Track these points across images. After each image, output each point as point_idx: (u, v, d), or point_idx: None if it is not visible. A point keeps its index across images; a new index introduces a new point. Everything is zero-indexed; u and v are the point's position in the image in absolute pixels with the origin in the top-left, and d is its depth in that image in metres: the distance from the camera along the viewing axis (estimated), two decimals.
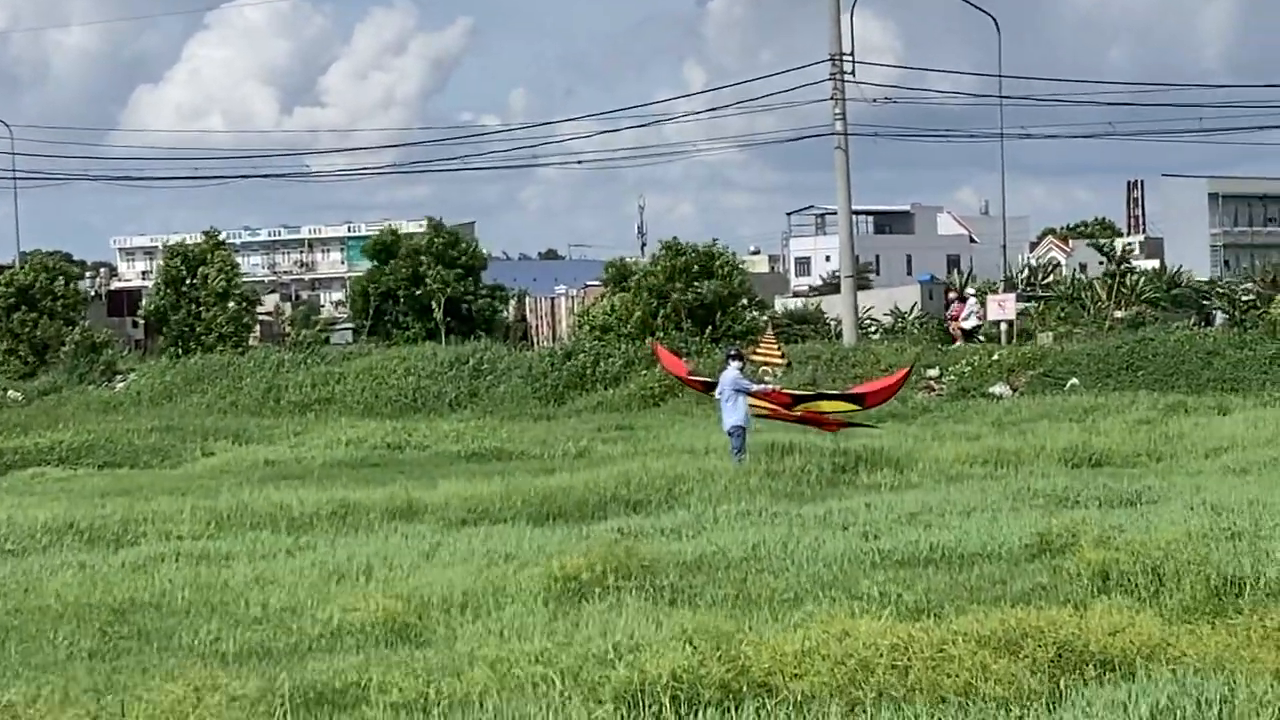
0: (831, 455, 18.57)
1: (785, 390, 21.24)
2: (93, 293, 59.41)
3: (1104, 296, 49.26)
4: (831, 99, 37.32)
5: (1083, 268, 71.33)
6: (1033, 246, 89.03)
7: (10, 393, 40.66)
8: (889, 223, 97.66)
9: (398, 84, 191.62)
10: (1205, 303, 53.41)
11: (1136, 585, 9.69)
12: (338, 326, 58.80)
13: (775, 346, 29.27)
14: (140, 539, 14.41)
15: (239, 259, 61.41)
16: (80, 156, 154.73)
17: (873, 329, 48.99)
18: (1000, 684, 7.37)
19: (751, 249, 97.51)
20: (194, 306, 49.29)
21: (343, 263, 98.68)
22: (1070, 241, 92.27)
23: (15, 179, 54.55)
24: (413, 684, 7.94)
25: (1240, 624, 8.40)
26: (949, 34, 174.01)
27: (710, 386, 19.99)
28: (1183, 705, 6.93)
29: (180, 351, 46.35)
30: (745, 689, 7.43)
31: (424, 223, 54.29)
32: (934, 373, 32.42)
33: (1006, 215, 51.59)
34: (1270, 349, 30.81)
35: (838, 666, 7.56)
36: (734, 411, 19.06)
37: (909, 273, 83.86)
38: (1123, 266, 52.06)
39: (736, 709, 7.25)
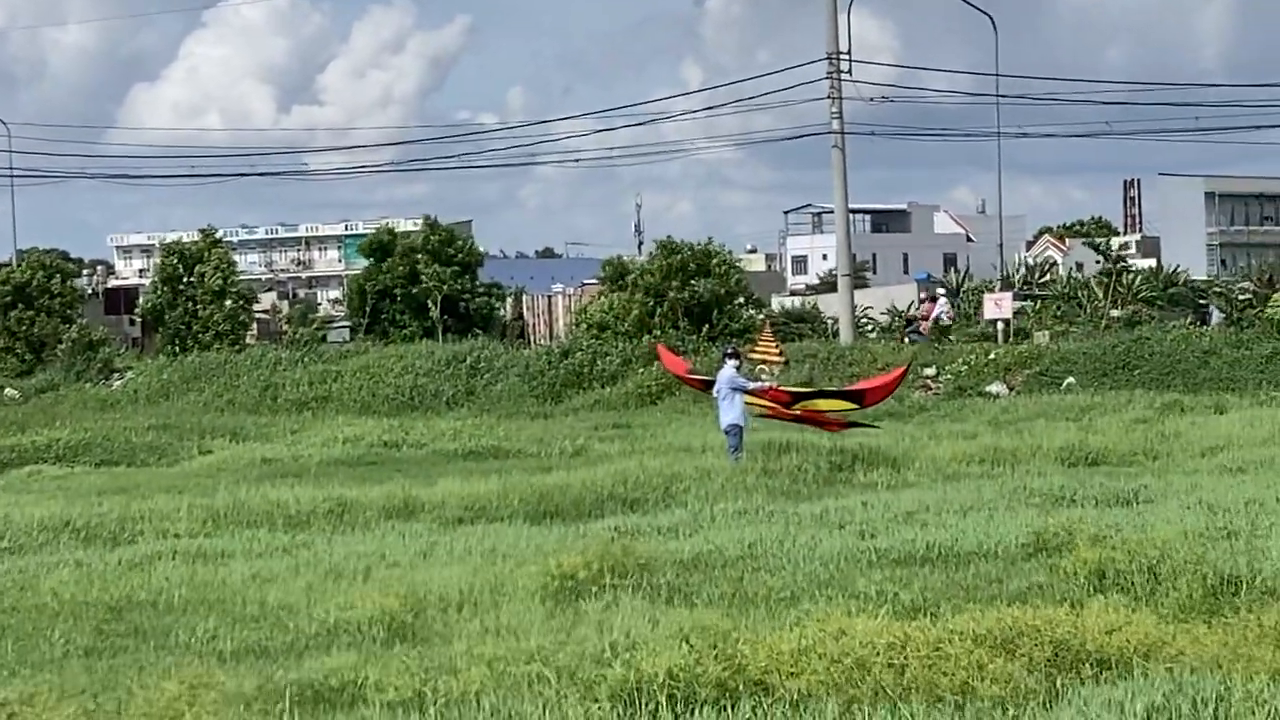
0: (828, 454, 18.58)
1: (783, 388, 21.25)
2: (90, 291, 59.31)
3: (1100, 295, 49.27)
4: (828, 98, 37.33)
5: (1079, 267, 71.39)
6: (1029, 245, 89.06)
7: (7, 391, 40.63)
8: (886, 221, 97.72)
9: (396, 82, 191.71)
10: (1202, 302, 53.46)
11: (1133, 584, 9.70)
12: (335, 325, 58.76)
13: (773, 344, 29.30)
14: (137, 537, 14.40)
15: (236, 257, 61.35)
16: (78, 155, 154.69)
17: (870, 328, 49.02)
18: (997, 683, 7.38)
19: (748, 247, 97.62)
20: (191, 305, 49.26)
21: (340, 261, 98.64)
22: (1067, 240, 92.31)
23: (12, 177, 54.57)
24: (409, 682, 7.94)
25: (1236, 623, 8.40)
26: (946, 33, 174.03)
27: (709, 385, 20.00)
28: (1179, 704, 6.93)
29: (177, 350, 46.31)
30: (742, 687, 7.43)
31: (421, 221, 54.28)
32: (931, 371, 32.44)
33: (1003, 214, 51.67)
34: (1267, 348, 30.84)
35: (834, 665, 7.57)
36: (731, 410, 19.07)
37: (906, 271, 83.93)
38: (1119, 265, 52.08)
39: (733, 707, 7.25)
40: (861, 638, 7.86)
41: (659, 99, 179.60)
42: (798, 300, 61.19)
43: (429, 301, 48.33)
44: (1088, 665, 7.71)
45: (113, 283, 74.92)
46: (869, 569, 11.02)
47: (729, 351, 20.44)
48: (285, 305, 66.00)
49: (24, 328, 47.71)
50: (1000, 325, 39.46)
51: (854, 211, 58.76)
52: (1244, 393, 27.76)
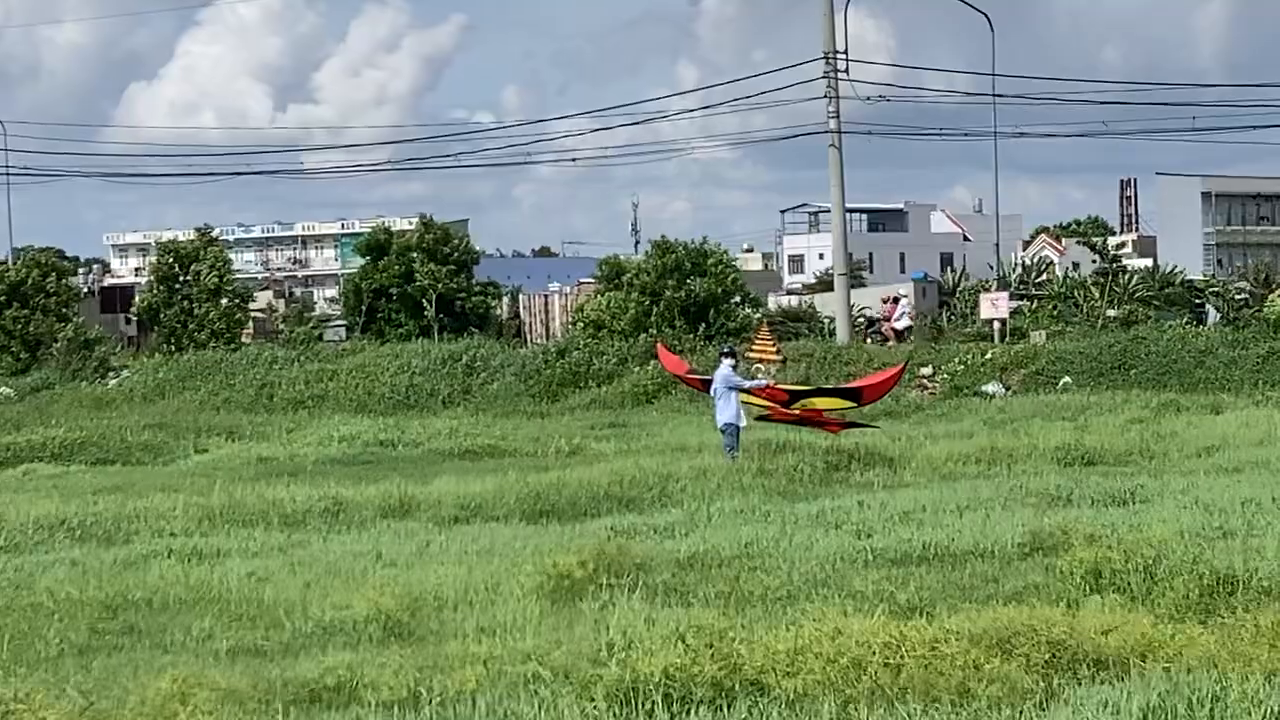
0: (824, 453, 18.57)
1: (781, 386, 21.24)
2: (86, 289, 59.21)
3: (1097, 295, 49.31)
4: (825, 97, 37.33)
5: (1075, 266, 71.44)
6: (1026, 245, 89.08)
7: (2, 389, 40.59)
8: (882, 221, 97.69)
9: (391, 81, 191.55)
10: (1198, 302, 53.50)
11: (1129, 584, 9.70)
12: (331, 323, 58.73)
13: (771, 343, 29.29)
14: (132, 536, 14.38)
15: (232, 256, 61.36)
16: (74, 153, 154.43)
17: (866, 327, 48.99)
18: (994, 683, 7.37)
19: (745, 246, 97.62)
20: (186, 303, 49.23)
21: (336, 260, 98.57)
22: (1063, 240, 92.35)
23: (8, 175, 54.49)
24: (404, 682, 7.93)
25: (1232, 623, 8.40)
26: (943, 33, 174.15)
27: (708, 385, 20.00)
28: (1175, 704, 6.93)
29: (173, 348, 46.29)
30: (738, 687, 7.42)
31: (417, 220, 54.25)
32: (927, 371, 32.45)
33: (1000, 213, 51.72)
34: (1263, 348, 30.87)
35: (830, 665, 7.56)
36: (727, 408, 19.06)
37: (902, 271, 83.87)
38: (1115, 265, 52.12)
39: (729, 707, 7.24)
40: (858, 637, 7.85)
41: (655, 98, 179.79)
42: (794, 299, 61.21)
43: (424, 300, 48.30)
44: (1084, 665, 7.71)
45: (108, 281, 74.88)
46: (865, 569, 11.02)
47: (726, 350, 20.44)
48: (281, 304, 65.93)
49: (19, 326, 47.65)
50: (997, 325, 39.49)
51: (850, 211, 58.74)
52: (1240, 392, 27.78)
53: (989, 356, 32.73)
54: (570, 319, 47.61)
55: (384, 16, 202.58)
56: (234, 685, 7.85)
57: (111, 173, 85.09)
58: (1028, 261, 70.56)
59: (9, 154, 53.24)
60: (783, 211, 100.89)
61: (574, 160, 53.78)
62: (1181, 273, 58.90)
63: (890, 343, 36.87)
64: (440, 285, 48.65)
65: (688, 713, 7.21)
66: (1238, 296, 51.79)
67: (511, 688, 7.73)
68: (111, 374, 41.07)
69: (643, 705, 7.25)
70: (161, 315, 49.62)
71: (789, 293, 70.17)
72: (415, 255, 49.53)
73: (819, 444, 19.25)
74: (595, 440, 23.96)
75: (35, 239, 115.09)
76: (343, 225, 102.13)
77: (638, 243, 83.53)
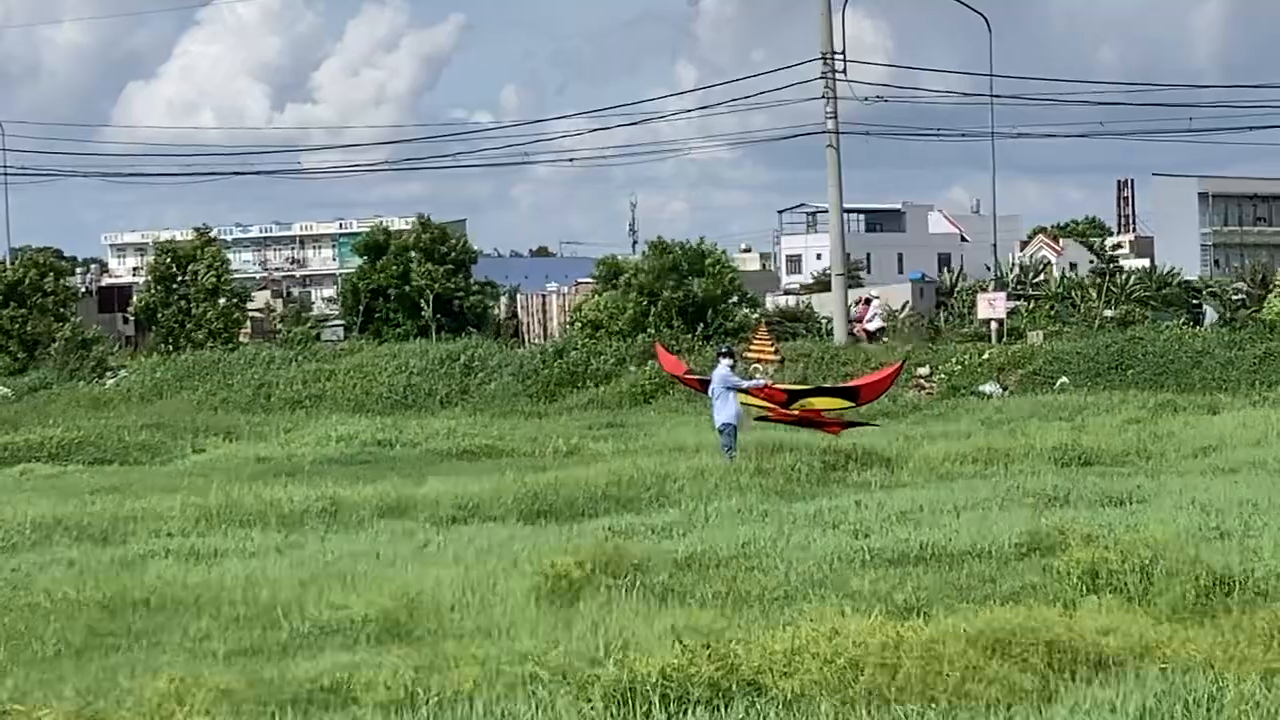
0: (822, 453, 18.58)
1: (779, 386, 21.25)
2: (83, 289, 59.19)
3: (1094, 295, 49.36)
4: (823, 97, 37.34)
5: (1073, 267, 71.48)
6: (1023, 245, 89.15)
7: (0, 389, 40.57)
8: (880, 221, 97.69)
9: (390, 81, 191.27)
10: (1195, 302, 53.57)
11: (1126, 584, 9.71)
12: (329, 323, 58.73)
13: (769, 343, 29.31)
14: (130, 536, 14.37)
15: (230, 255, 61.29)
16: (72, 153, 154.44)
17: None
18: (991, 684, 7.38)
19: (743, 247, 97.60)
20: (184, 303, 49.21)
21: (334, 260, 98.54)
22: (1061, 240, 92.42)
23: (6, 175, 54.46)
24: (402, 682, 7.93)
25: (1229, 623, 8.41)
26: (940, 33, 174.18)
27: (706, 385, 20.01)
28: (1171, 705, 6.94)
29: (170, 348, 46.27)
30: (735, 687, 7.42)
31: (414, 220, 54.24)
32: (924, 371, 32.47)
33: (997, 214, 51.71)
34: (1260, 348, 30.90)
35: (827, 665, 7.56)
36: (725, 408, 19.07)
37: (900, 271, 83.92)
38: (1112, 265, 52.19)
39: (726, 707, 7.24)
40: (855, 638, 7.85)
41: (653, 98, 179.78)
42: (791, 300, 61.24)
43: (421, 300, 48.30)
44: (1082, 666, 7.71)
45: (106, 281, 74.84)
46: (862, 569, 11.02)
47: (723, 350, 20.46)
48: (279, 304, 65.92)
49: (17, 326, 47.62)
50: (994, 325, 39.53)
51: (848, 211, 58.86)
52: (1237, 393, 27.80)
53: (986, 357, 32.75)
54: (568, 319, 47.61)
55: (382, 16, 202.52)
56: (231, 686, 7.86)
57: (110, 172, 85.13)
58: (1025, 262, 70.66)
59: (7, 154, 53.24)
60: (780, 212, 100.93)
61: (572, 160, 53.90)
62: (1179, 273, 58.96)
63: (862, 343, 36.94)
64: (438, 285, 48.65)
65: (685, 713, 7.21)
66: (1235, 297, 51.83)
67: (509, 688, 7.73)
68: (109, 374, 41.05)
69: (640, 706, 7.25)
70: (159, 315, 49.60)
71: (786, 293, 70.20)
72: (413, 255, 49.53)
73: (816, 444, 19.26)
74: (593, 440, 23.96)
75: (33, 239, 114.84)
76: (340, 225, 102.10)
77: (635, 243, 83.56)
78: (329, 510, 15.48)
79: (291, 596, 10.71)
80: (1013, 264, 67.09)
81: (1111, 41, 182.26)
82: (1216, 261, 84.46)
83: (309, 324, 54.67)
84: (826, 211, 44.47)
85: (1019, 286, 58.12)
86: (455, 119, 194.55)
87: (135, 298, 54.09)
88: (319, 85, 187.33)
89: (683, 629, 8.50)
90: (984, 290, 47.34)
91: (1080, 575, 9.99)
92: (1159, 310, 49.70)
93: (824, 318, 46.39)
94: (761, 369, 27.68)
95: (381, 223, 59.73)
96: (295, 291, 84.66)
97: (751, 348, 29.12)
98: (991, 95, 44.04)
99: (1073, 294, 51.83)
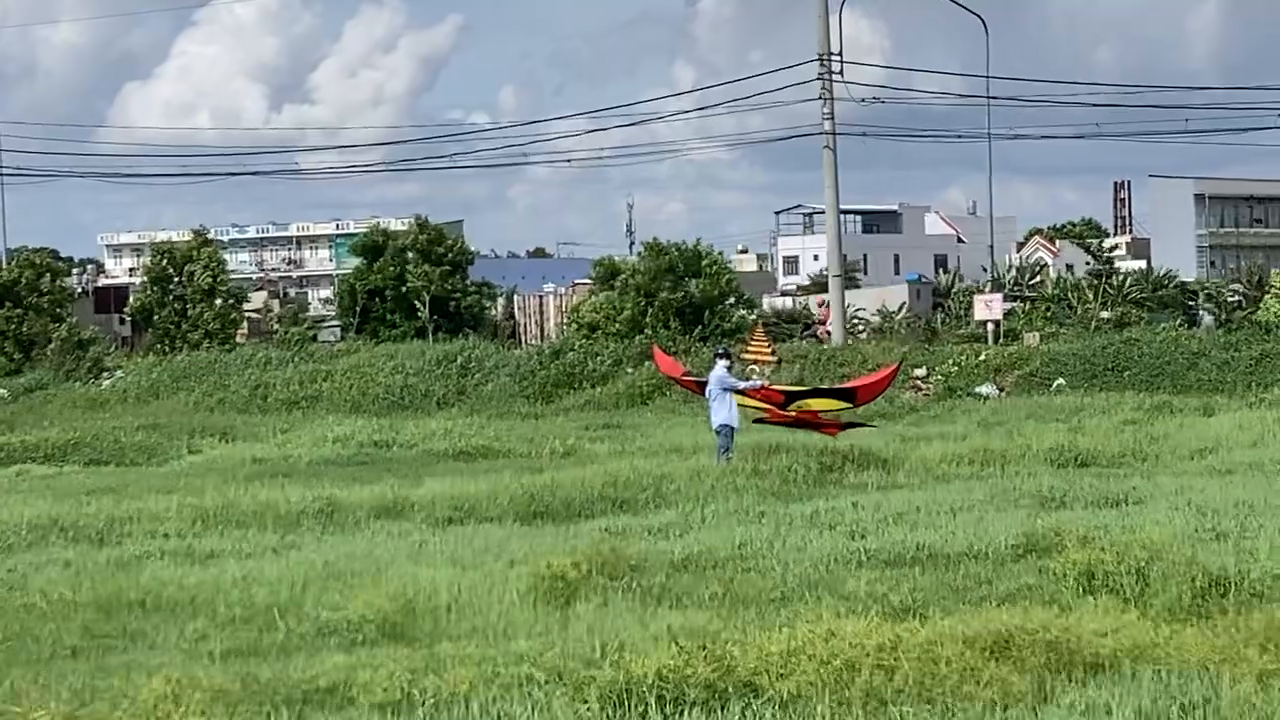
0: (818, 455, 18.57)
1: (776, 387, 21.25)
2: (79, 290, 59.18)
3: (1090, 297, 49.40)
4: (820, 99, 37.37)
5: (1069, 268, 71.52)
6: (1020, 247, 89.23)
7: None
8: (877, 222, 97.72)
9: (387, 81, 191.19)
10: (1191, 303, 53.63)
11: (1122, 586, 9.71)
12: (325, 324, 58.73)
13: (766, 344, 29.33)
14: (126, 537, 14.36)
15: (227, 256, 61.31)
16: (69, 153, 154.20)
17: (860, 328, 49.10)
18: (987, 685, 7.38)
19: (740, 248, 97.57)
20: (180, 304, 49.20)
21: (331, 260, 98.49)
22: (1057, 242, 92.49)
23: (2, 175, 54.42)
24: (398, 683, 7.93)
25: (1225, 625, 8.41)
26: (937, 34, 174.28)
27: (704, 386, 20.01)
28: (1167, 707, 6.94)
29: (167, 349, 46.26)
30: (731, 689, 7.42)
31: (411, 221, 54.24)
32: (921, 372, 32.48)
33: (994, 215, 51.70)
34: (1255, 350, 30.92)
35: (824, 666, 7.56)
36: (721, 410, 19.07)
37: (896, 272, 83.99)
38: (1109, 267, 52.24)
39: (722, 709, 7.24)
40: (851, 639, 7.85)
41: (651, 99, 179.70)
42: (789, 301, 61.27)
43: (417, 301, 48.30)
44: (1079, 668, 7.72)
45: (103, 282, 74.80)
46: (859, 570, 11.02)
47: (720, 352, 20.45)
48: (276, 304, 65.92)
49: (13, 326, 47.61)
50: (990, 326, 39.57)
51: (845, 212, 58.83)
52: (1233, 394, 27.83)
53: (983, 358, 32.77)
54: (565, 320, 47.63)
55: (380, 17, 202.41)
56: (227, 687, 7.85)
57: (106, 173, 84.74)
58: (1022, 263, 70.70)
59: (3, 154, 53.18)
60: (777, 213, 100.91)
61: (569, 161, 53.94)
62: (1175, 275, 58.99)
63: (825, 345, 37.06)
64: (434, 286, 48.66)
65: (681, 714, 7.21)
66: (1231, 299, 51.88)
67: (505, 689, 7.73)
68: (105, 374, 41.03)
69: (636, 707, 7.25)
70: (155, 316, 49.59)
71: (783, 294, 70.25)
72: (410, 256, 49.53)
73: (813, 445, 19.26)
74: (590, 441, 23.96)
75: (30, 239, 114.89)
76: (337, 226, 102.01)
77: (633, 244, 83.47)
78: (325, 511, 15.47)
79: (288, 597, 10.70)
80: (1009, 265, 67.15)
81: (1108, 43, 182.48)
82: (1212, 263, 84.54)
83: (306, 325, 54.69)
84: (823, 212, 44.47)
85: (1015, 288, 58.18)
86: (453, 120, 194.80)
87: (132, 298, 54.09)
88: (316, 86, 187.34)
89: (679, 630, 8.50)
90: (981, 292, 47.38)
91: (1076, 577, 9.99)
92: (1155, 312, 49.76)
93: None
94: (758, 370, 27.69)
95: (378, 223, 59.67)
96: (292, 292, 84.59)
97: (749, 349, 29.15)
98: (988, 96, 44.13)
99: (1069, 295, 51.88)
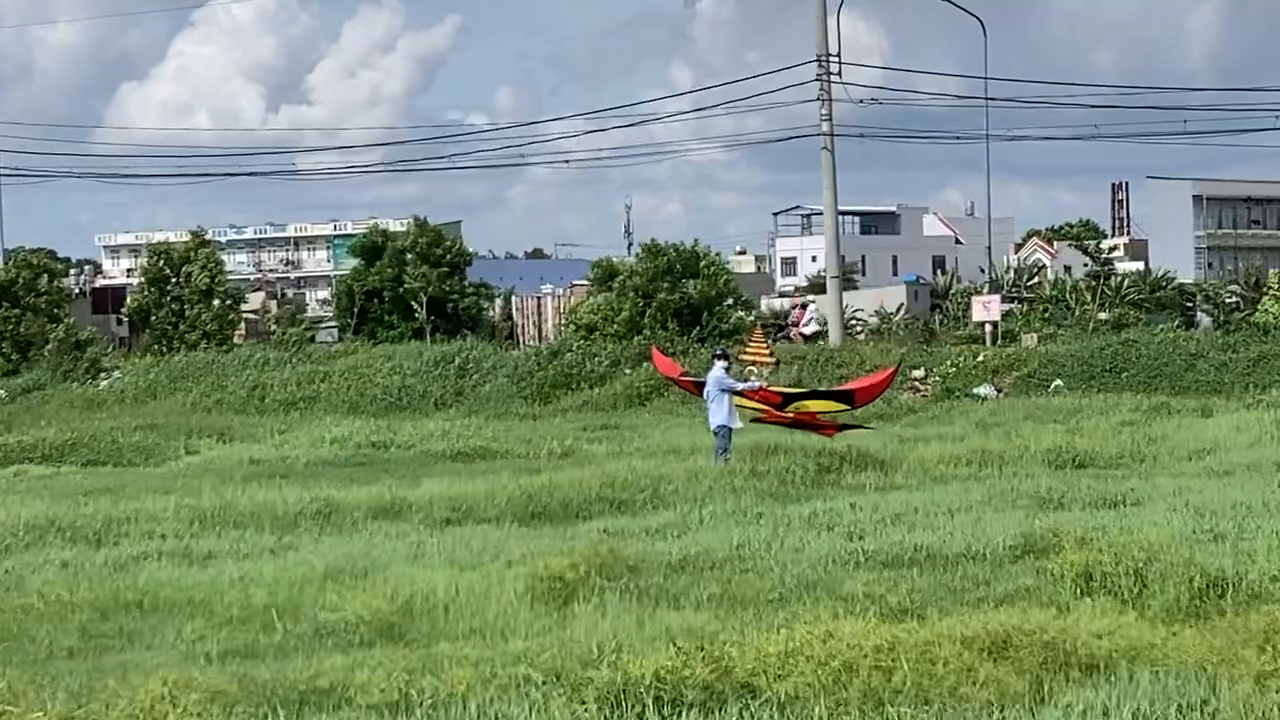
0: (816, 455, 18.57)
1: (774, 388, 21.25)
2: (77, 290, 59.17)
3: (1088, 298, 49.42)
4: (818, 100, 37.38)
5: (1067, 269, 71.53)
6: (1018, 248, 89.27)
7: None
8: (875, 223, 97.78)
9: (385, 82, 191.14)
10: (1189, 305, 53.67)
11: (1120, 587, 9.71)
12: (323, 325, 58.73)
13: (764, 345, 29.32)
14: (123, 538, 14.35)
15: (224, 257, 61.30)
16: (66, 154, 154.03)
17: (858, 329, 49.10)
18: (985, 686, 7.38)
19: (738, 249, 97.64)
20: (178, 305, 49.18)
21: (329, 261, 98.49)
22: (1055, 243, 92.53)
23: (0, 175, 54.37)
24: (396, 684, 7.92)
25: (1223, 626, 8.41)
26: (935, 36, 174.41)
27: (702, 387, 20.01)
28: (1165, 709, 6.94)
29: (164, 349, 46.25)
30: (729, 690, 7.42)
31: (410, 221, 54.24)
32: (919, 373, 32.49)
33: (991, 216, 51.70)
34: (1253, 351, 30.95)
35: (822, 667, 7.56)
36: (719, 411, 19.07)
37: (894, 273, 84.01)
38: (1107, 268, 52.27)
39: (720, 710, 7.24)
40: (849, 640, 7.85)
41: (649, 100, 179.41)
42: (786, 302, 61.28)
43: (414, 302, 48.30)
44: (1076, 669, 7.71)
45: (100, 282, 74.80)
46: (857, 571, 11.02)
47: (718, 353, 20.46)
48: (273, 305, 65.91)
49: (11, 327, 47.58)
50: (988, 328, 39.58)
51: (843, 213, 58.83)
52: (1231, 395, 27.84)
53: (981, 359, 32.78)
54: (563, 321, 47.63)
55: (378, 18, 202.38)
56: (224, 687, 7.84)
57: (104, 173, 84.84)
58: (1019, 264, 70.73)
59: (1, 154, 53.14)
60: (775, 214, 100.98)
61: (567, 162, 53.91)
62: (1173, 276, 59.00)
63: (797, 344, 37.11)
64: (432, 287, 48.65)
65: (678, 716, 7.20)
66: (1229, 300, 51.90)
67: (503, 690, 7.72)
68: (103, 375, 41.02)
69: (633, 708, 7.25)
70: (153, 316, 49.58)
71: (781, 295, 70.26)
72: (409, 257, 49.53)
73: (811, 446, 19.25)
74: (588, 442, 23.95)
75: (27, 240, 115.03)
76: (335, 226, 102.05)
77: (631, 245, 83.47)
78: (323, 512, 15.46)
79: (285, 598, 10.69)
80: (1007, 267, 67.17)
81: (1106, 44, 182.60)
82: (1210, 264, 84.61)
83: (303, 325, 54.68)
84: (821, 214, 44.50)
85: (1014, 289, 58.19)
86: (451, 120, 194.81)
87: (129, 299, 54.06)
88: (314, 86, 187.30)
89: (677, 631, 8.50)
90: (979, 293, 47.39)
91: (1074, 578, 9.99)
92: (1153, 313, 49.78)
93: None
94: (757, 371, 27.69)
95: (377, 224, 59.67)
96: (290, 293, 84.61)
97: (747, 350, 29.13)
98: (986, 98, 44.16)
99: (1067, 297, 51.88)
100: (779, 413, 20.18)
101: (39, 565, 12.67)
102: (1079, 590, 9.78)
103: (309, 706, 7.78)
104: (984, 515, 13.40)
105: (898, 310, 53.87)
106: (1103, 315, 46.76)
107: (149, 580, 11.63)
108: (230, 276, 56.63)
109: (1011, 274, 64.45)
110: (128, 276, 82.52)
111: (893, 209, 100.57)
